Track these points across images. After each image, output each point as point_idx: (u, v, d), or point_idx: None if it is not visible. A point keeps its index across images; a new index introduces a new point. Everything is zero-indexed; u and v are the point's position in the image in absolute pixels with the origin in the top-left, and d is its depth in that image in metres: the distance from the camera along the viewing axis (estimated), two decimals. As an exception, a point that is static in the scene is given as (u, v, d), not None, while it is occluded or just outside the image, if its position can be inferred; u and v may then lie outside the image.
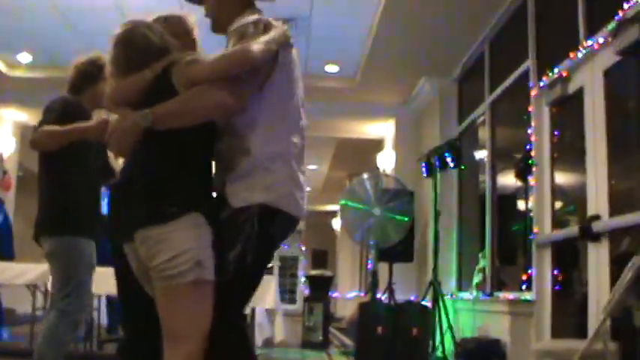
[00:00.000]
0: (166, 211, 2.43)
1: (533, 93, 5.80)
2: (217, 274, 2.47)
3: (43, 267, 6.71)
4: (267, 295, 6.07)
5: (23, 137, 11.37)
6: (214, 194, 2.64)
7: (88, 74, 3.96)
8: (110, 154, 3.84)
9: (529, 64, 6.28)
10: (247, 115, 2.54)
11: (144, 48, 2.60)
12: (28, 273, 6.66)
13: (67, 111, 3.82)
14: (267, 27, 2.53)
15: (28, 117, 11.08)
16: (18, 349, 6.73)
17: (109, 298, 7.35)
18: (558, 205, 5.68)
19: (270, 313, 6.94)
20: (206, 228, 2.48)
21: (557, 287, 5.35)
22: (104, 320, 7.74)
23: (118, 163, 3.46)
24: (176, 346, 2.45)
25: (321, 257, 22.96)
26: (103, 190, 4.26)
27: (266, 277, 5.94)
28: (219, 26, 2.78)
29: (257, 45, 2.42)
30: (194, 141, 2.53)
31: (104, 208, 4.07)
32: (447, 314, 7.10)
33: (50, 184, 3.91)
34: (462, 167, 8.09)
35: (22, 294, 7.32)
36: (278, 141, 2.59)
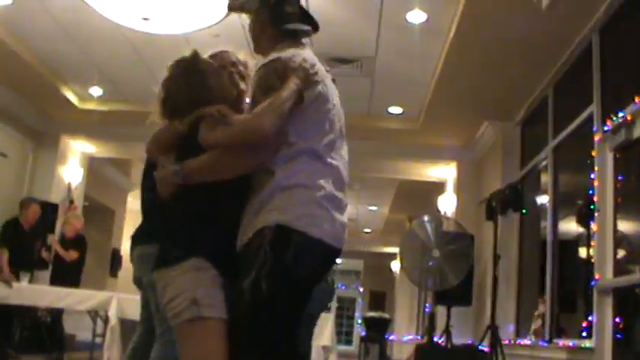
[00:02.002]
0: (172, 256, 2.56)
1: (596, 138, 5.75)
2: (235, 307, 2.49)
3: (105, 294, 6.89)
4: (324, 331, 6.09)
5: (90, 168, 11.68)
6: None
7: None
8: None
9: (593, 108, 6.22)
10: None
11: (201, 90, 2.77)
12: (90, 300, 6.82)
13: None
14: (286, 70, 2.55)
15: (96, 149, 11.42)
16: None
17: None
18: (621, 252, 5.59)
19: (326, 351, 6.93)
20: (209, 271, 2.53)
21: (618, 335, 5.24)
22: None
23: None
24: None
25: (379, 299, 22.82)
26: None
27: (324, 315, 5.96)
28: (257, 49, 2.87)
29: (269, 117, 2.44)
30: (215, 191, 2.60)
31: None
32: (504, 359, 6.99)
33: None
34: (524, 211, 8.00)
35: (83, 320, 7.48)
36: (300, 160, 2.54)
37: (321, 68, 2.67)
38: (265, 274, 2.40)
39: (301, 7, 2.89)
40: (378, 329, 10.02)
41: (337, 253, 2.57)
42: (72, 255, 8.79)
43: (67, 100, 9.90)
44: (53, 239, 8.87)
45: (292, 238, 2.42)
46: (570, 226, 7.29)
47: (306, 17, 2.86)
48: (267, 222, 2.45)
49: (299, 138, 2.56)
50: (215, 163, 2.55)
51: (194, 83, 2.81)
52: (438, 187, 11.54)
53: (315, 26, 2.86)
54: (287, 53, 2.63)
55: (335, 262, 2.67)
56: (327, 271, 2.66)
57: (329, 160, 2.57)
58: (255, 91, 2.60)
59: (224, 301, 2.51)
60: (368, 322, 10.28)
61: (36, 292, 7.29)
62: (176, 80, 2.88)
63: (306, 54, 2.69)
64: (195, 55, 2.91)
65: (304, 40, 2.85)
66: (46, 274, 9.33)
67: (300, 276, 2.47)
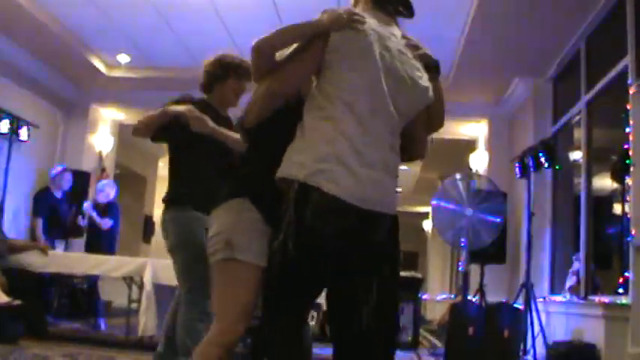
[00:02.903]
0: (220, 196, 2.68)
1: (632, 90, 5.63)
2: (268, 267, 2.55)
3: (139, 261, 6.94)
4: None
5: (121, 136, 11.74)
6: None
7: (213, 75, 4.14)
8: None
9: (628, 60, 6.10)
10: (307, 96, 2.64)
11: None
12: (125, 266, 6.89)
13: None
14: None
15: (126, 116, 11.46)
16: (115, 339, 6.96)
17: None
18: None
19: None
20: (251, 214, 2.61)
21: (655, 291, 5.19)
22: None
23: None
24: (214, 321, 2.65)
25: (412, 259, 22.84)
26: None
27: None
28: None
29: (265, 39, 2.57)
30: (260, 133, 2.71)
31: None
32: (539, 317, 6.97)
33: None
34: (558, 167, 7.91)
35: (119, 287, 7.57)
36: (327, 109, 2.55)
37: (376, 29, 2.65)
38: (291, 234, 2.42)
39: None
40: (411, 289, 9.98)
41: (365, 213, 2.46)
42: (107, 222, 8.87)
43: (95, 69, 9.93)
44: (88, 206, 8.96)
45: (311, 196, 2.41)
46: (605, 182, 7.20)
47: (405, 2, 2.88)
48: (288, 174, 2.48)
49: (326, 83, 2.58)
50: (253, 98, 2.71)
51: None
52: (470, 145, 11.45)
53: (410, 12, 2.90)
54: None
55: (375, 225, 2.54)
56: (365, 234, 2.52)
57: (358, 112, 2.53)
58: None
59: (262, 248, 2.57)
60: (401, 282, 10.26)
61: (71, 260, 7.37)
62: None
63: (372, 19, 2.69)
64: None
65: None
66: (81, 242, 9.45)
67: (325, 234, 2.42)
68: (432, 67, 2.82)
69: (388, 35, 2.68)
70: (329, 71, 2.58)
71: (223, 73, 4.10)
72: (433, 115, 2.86)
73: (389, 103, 2.58)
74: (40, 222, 8.53)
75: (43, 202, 8.72)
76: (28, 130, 9.40)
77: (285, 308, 2.56)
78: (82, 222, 8.98)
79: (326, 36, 2.57)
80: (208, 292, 3.74)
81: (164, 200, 4.07)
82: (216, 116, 4.00)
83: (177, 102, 4.00)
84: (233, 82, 4.11)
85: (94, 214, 8.81)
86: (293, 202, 2.42)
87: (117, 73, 10.22)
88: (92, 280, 8.26)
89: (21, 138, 9.27)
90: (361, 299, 2.55)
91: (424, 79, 2.74)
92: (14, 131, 9.11)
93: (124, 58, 9.85)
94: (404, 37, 2.80)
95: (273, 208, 2.54)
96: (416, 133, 2.84)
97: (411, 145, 2.84)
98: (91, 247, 8.79)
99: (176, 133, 3.93)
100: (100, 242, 8.81)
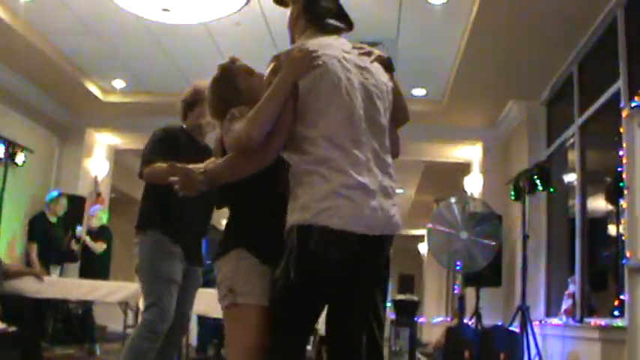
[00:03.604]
0: (219, 249, 2.84)
1: (624, 114, 5.67)
2: (270, 295, 2.63)
3: (134, 286, 6.92)
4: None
5: (117, 160, 11.75)
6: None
7: (185, 103, 4.33)
8: None
9: (620, 84, 6.15)
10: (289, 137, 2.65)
11: (230, 94, 2.98)
12: (120, 291, 6.87)
13: (163, 140, 4.20)
14: (281, 65, 2.62)
15: (122, 141, 11.49)
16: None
17: (199, 318, 7.48)
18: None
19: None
20: (249, 260, 2.74)
21: (650, 313, 5.19)
22: (194, 340, 7.88)
23: None
24: None
25: (408, 282, 22.80)
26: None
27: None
28: (292, 41, 2.91)
29: (253, 122, 2.56)
30: (245, 188, 2.80)
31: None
32: (535, 340, 6.96)
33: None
34: (552, 190, 7.93)
35: (114, 312, 7.55)
36: (314, 152, 2.56)
37: (330, 54, 2.65)
38: (293, 263, 2.48)
39: (339, 5, 2.89)
40: (407, 312, 9.96)
41: (370, 238, 2.53)
42: (100, 246, 8.87)
43: (91, 94, 9.94)
44: (82, 231, 8.96)
45: (313, 232, 2.45)
46: (599, 204, 7.21)
47: (341, 15, 2.87)
48: (294, 221, 2.52)
49: (305, 128, 2.59)
50: (229, 165, 2.71)
51: (224, 87, 3.02)
52: (464, 168, 11.47)
53: (349, 25, 2.88)
54: (290, 47, 2.71)
55: (378, 248, 2.62)
56: (370, 258, 2.61)
57: (343, 145, 2.54)
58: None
59: (263, 289, 2.68)
60: (397, 305, 10.23)
61: (66, 286, 7.35)
62: (212, 85, 3.10)
63: (317, 42, 2.70)
64: (229, 60, 3.12)
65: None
66: (76, 267, 9.42)
67: (330, 261, 2.48)
68: (389, 65, 2.84)
69: (342, 54, 2.68)
70: (307, 115, 2.60)
71: (192, 100, 4.26)
72: (397, 108, 2.85)
73: (367, 127, 2.62)
74: (34, 247, 8.52)
75: (37, 227, 8.71)
76: (24, 155, 9.40)
77: (290, 332, 2.60)
78: (76, 247, 8.98)
79: (295, 88, 2.59)
80: (163, 313, 3.94)
81: (135, 225, 4.24)
82: (192, 144, 4.19)
83: (166, 132, 4.23)
84: (199, 109, 4.19)
85: (87, 239, 8.81)
86: (296, 234, 2.48)
87: (112, 99, 10.24)
88: (87, 305, 8.24)
89: (17, 163, 9.27)
90: (355, 318, 2.68)
91: (387, 80, 2.78)
92: (10, 156, 9.11)
93: (119, 84, 9.88)
94: (354, 47, 2.80)
95: (270, 251, 2.67)
96: (390, 134, 2.85)
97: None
98: (85, 272, 8.78)
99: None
100: (94, 267, 8.81)
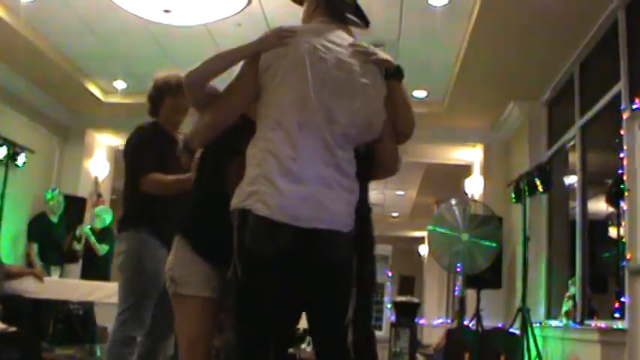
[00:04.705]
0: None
1: (625, 116, 5.67)
2: (229, 297, 2.58)
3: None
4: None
5: (117, 161, 11.75)
6: None
7: (151, 97, 4.31)
8: None
9: (621, 86, 6.14)
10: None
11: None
12: (120, 293, 6.86)
13: (143, 143, 4.12)
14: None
15: (122, 142, 11.41)
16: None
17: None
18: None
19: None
20: (185, 248, 2.80)
21: (651, 315, 5.19)
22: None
23: None
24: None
25: (408, 283, 22.80)
26: None
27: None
28: None
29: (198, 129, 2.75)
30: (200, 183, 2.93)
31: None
32: (535, 342, 6.96)
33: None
34: (552, 190, 7.92)
35: (114, 312, 7.53)
36: (257, 140, 2.54)
37: (308, 39, 2.61)
38: (237, 259, 2.45)
39: (357, 4, 2.85)
40: (407, 314, 9.98)
41: (300, 230, 2.40)
42: (103, 248, 8.88)
43: (92, 95, 9.95)
44: (86, 233, 8.98)
45: (247, 219, 2.41)
46: (600, 206, 7.21)
47: (359, 13, 2.84)
48: (233, 204, 2.50)
49: (261, 105, 2.59)
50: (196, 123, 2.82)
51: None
52: (465, 170, 11.47)
53: (365, 22, 2.85)
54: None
55: (312, 242, 2.45)
56: (303, 251, 2.46)
57: (287, 127, 2.49)
58: None
59: (200, 279, 2.74)
60: (397, 307, 10.24)
61: (67, 286, 7.37)
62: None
63: (309, 27, 2.71)
64: None
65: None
66: (76, 268, 9.43)
67: (265, 256, 2.42)
68: (393, 71, 2.74)
69: (326, 45, 2.62)
70: (264, 93, 2.59)
71: (158, 94, 4.20)
72: (396, 121, 2.77)
73: (320, 115, 2.52)
74: (35, 247, 8.52)
75: (37, 227, 8.72)
76: (25, 155, 9.41)
77: (248, 331, 2.50)
78: (78, 248, 8.99)
79: (257, 59, 2.59)
80: (140, 318, 3.85)
81: (118, 222, 4.19)
82: (166, 139, 4.09)
83: (143, 130, 4.20)
84: (170, 100, 4.15)
85: (93, 239, 8.83)
86: (235, 228, 2.45)
87: (113, 99, 10.23)
88: (88, 306, 8.23)
89: (18, 163, 9.27)
90: (320, 320, 2.59)
91: (375, 86, 2.67)
92: (11, 157, 9.12)
93: (120, 84, 9.88)
94: (352, 44, 2.70)
95: (203, 240, 2.78)
96: (382, 145, 2.80)
97: (379, 157, 2.85)
98: (87, 273, 8.78)
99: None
100: (95, 267, 8.81)
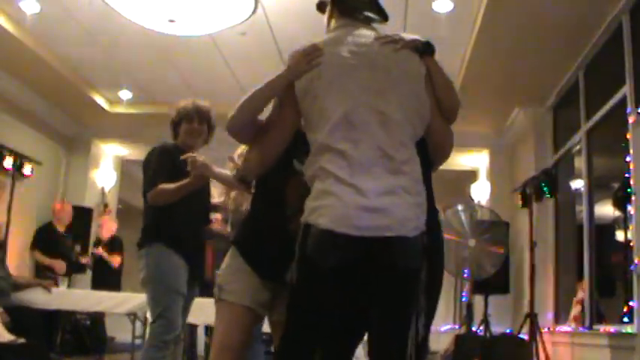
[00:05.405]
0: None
1: (631, 119, 5.67)
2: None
3: (142, 297, 6.92)
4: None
5: (123, 171, 11.78)
6: None
7: (172, 122, 4.53)
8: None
9: (626, 89, 6.13)
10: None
11: None
12: (129, 302, 6.88)
13: (163, 157, 4.32)
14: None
15: (128, 152, 11.52)
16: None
17: (207, 329, 7.49)
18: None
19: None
20: (238, 258, 2.92)
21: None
22: (202, 350, 7.88)
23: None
24: None
25: (416, 290, 22.74)
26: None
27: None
28: None
29: (234, 112, 2.67)
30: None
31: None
32: (544, 347, 6.94)
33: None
34: (559, 194, 7.90)
35: (122, 323, 7.56)
36: (313, 159, 2.53)
37: (334, 51, 2.58)
38: (295, 267, 2.47)
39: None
40: (415, 320, 9.94)
41: (357, 240, 2.35)
42: (116, 260, 8.92)
43: (97, 105, 9.98)
44: (100, 249, 9.05)
45: (309, 232, 2.42)
46: (607, 210, 7.20)
47: (376, 7, 2.81)
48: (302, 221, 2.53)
49: (310, 131, 2.59)
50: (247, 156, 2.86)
51: None
52: (471, 175, 11.46)
53: (384, 16, 2.82)
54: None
55: (377, 250, 2.39)
56: (371, 260, 2.40)
57: (336, 146, 2.45)
58: None
59: (245, 288, 2.85)
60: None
61: (75, 297, 7.36)
62: None
63: (330, 38, 2.68)
64: None
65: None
66: (84, 278, 9.43)
67: (326, 267, 2.39)
68: (422, 48, 2.71)
69: (352, 49, 2.59)
70: (308, 118, 2.59)
71: (177, 119, 4.46)
72: (441, 99, 2.78)
73: (373, 120, 2.49)
74: (37, 253, 8.55)
75: (44, 238, 8.72)
76: (31, 166, 9.43)
77: (297, 339, 2.50)
78: (87, 261, 9.02)
79: (291, 88, 2.58)
80: (171, 324, 4.07)
81: (139, 238, 4.33)
82: (183, 160, 4.19)
83: (161, 150, 4.36)
84: (185, 125, 4.41)
85: (105, 254, 8.88)
86: (298, 242, 2.45)
87: (119, 110, 10.27)
88: (96, 316, 8.25)
89: (24, 175, 9.29)
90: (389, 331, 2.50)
91: (412, 72, 2.65)
92: (17, 168, 9.14)
93: (125, 95, 9.91)
94: (377, 38, 2.66)
95: (255, 252, 2.90)
96: (433, 127, 2.75)
97: (434, 140, 2.79)
98: (98, 283, 8.79)
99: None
100: (107, 277, 8.83)
